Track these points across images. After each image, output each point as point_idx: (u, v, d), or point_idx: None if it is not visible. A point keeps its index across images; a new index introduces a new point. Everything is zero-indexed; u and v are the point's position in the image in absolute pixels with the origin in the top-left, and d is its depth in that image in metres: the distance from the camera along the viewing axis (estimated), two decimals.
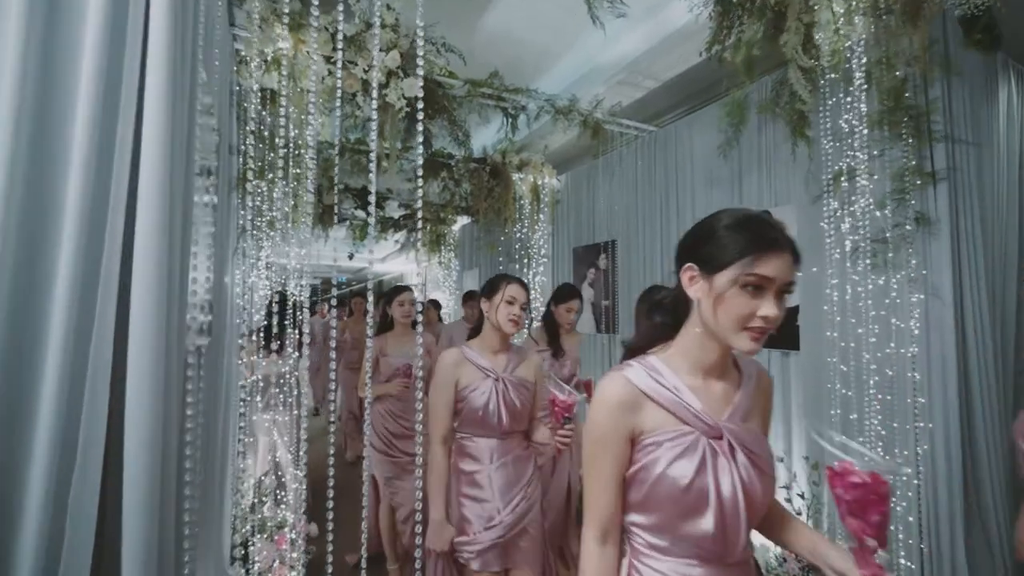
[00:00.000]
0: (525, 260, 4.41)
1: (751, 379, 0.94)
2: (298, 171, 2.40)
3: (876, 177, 1.81)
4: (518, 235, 4.32)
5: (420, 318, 1.68)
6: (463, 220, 5.89)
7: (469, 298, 4.44)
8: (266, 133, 2.32)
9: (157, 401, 0.77)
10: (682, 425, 0.86)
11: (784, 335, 2.54)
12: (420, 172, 1.36)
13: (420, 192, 1.35)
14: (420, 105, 1.23)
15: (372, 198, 1.32)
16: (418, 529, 1.20)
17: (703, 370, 0.90)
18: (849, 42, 1.62)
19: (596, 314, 4.02)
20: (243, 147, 2.35)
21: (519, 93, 2.93)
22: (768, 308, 0.79)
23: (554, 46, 3.40)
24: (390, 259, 9.44)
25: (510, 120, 3.11)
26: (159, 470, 0.78)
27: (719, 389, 0.91)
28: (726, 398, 0.90)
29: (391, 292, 2.86)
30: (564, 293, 2.71)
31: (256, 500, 2.22)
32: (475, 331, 1.84)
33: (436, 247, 6.03)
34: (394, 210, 5.72)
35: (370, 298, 1.29)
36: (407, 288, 2.86)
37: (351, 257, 5.45)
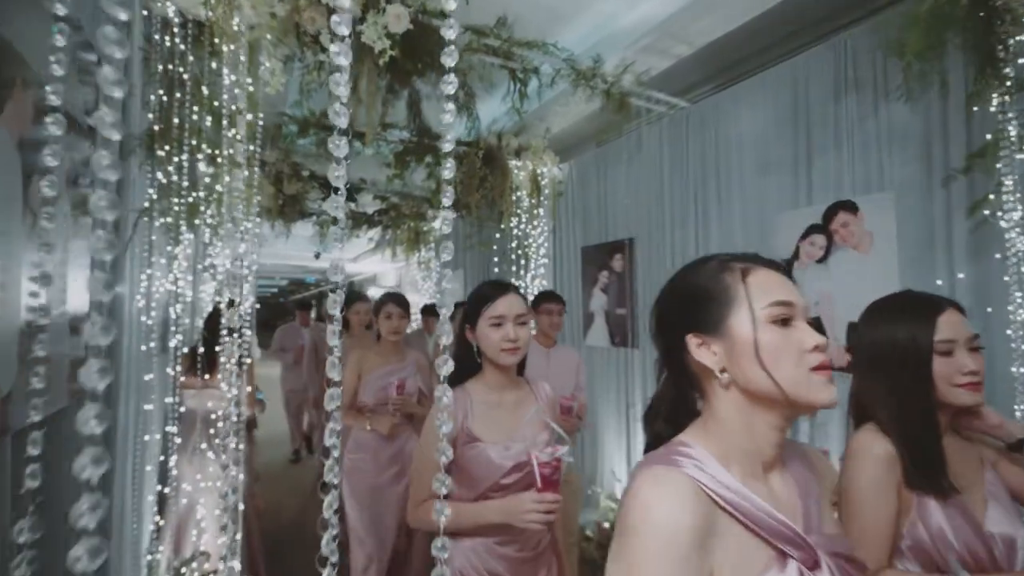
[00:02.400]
0: (522, 261, 3.79)
1: None
2: (237, 135, 1.72)
3: None
4: (515, 231, 3.70)
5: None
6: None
7: (541, 301, 2.68)
8: (188, 80, 1.64)
9: None
10: None
11: None
12: (451, 108, 0.72)
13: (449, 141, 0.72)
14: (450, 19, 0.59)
15: (340, 172, 0.72)
16: None
17: None
18: None
19: (610, 324, 3.43)
20: (152, 99, 1.65)
21: (533, 48, 2.30)
22: None
23: (565, 3, 2.79)
24: (362, 258, 8.68)
25: (518, 86, 2.47)
26: None
27: None
28: None
29: (478, 299, 1.32)
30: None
31: None
32: (679, 410, 0.74)
33: (415, 245, 5.37)
34: (368, 203, 5.02)
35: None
36: (509, 287, 1.33)
37: (317, 256, 4.72)
